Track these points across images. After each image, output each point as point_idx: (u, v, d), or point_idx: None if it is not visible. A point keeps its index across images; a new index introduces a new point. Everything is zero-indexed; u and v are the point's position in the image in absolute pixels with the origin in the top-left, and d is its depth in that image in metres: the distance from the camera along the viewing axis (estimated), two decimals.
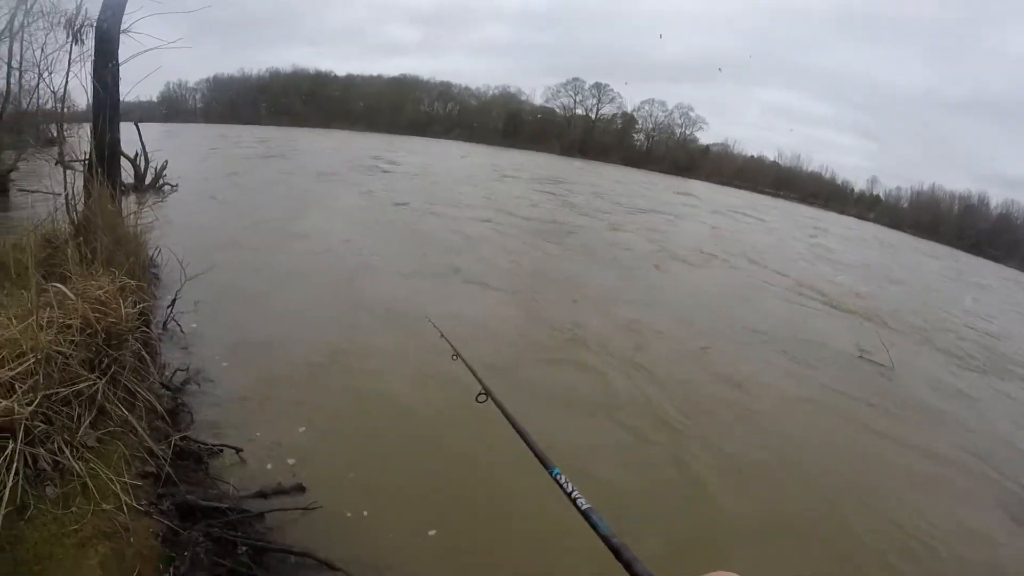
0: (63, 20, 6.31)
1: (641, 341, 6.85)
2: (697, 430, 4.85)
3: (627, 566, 0.63)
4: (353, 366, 5.09)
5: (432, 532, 3.24)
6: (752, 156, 65.89)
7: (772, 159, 65.14)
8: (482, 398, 1.62)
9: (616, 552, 0.66)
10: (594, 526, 0.72)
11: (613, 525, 0.71)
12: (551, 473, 0.87)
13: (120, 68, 5.61)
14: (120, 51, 5.58)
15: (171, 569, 2.51)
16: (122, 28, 5.60)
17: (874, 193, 60.93)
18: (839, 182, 62.93)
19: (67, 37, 5.91)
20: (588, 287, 9.15)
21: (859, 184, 62.42)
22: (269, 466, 3.57)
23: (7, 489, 2.28)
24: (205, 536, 2.76)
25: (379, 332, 5.94)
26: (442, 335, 2.33)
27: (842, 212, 52.50)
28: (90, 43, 5.63)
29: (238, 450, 3.60)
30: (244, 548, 2.79)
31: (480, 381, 1.71)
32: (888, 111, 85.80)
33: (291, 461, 3.64)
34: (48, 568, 2.18)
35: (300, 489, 3.36)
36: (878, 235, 37.26)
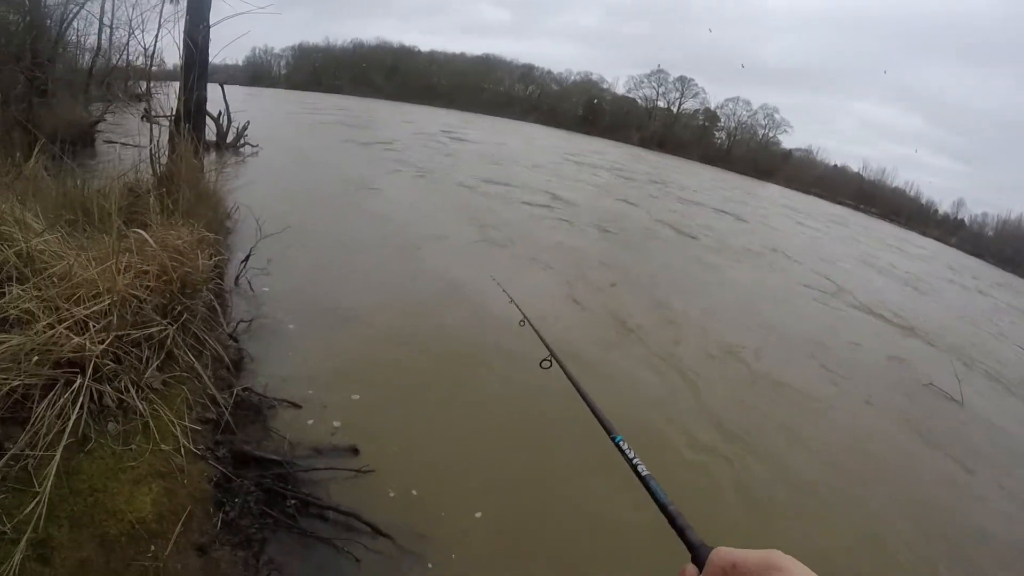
0: None
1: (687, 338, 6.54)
2: (754, 444, 4.56)
3: (681, 533, 0.65)
4: (416, 335, 5.07)
5: (478, 514, 3.15)
6: (835, 165, 63.22)
7: (856, 170, 62.31)
8: (546, 364, 1.58)
9: (672, 519, 0.68)
10: (652, 493, 0.74)
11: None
12: (614, 440, 0.88)
13: (211, 29, 5.77)
14: (211, 13, 5.75)
15: (220, 513, 2.53)
16: None
17: (958, 217, 57.46)
18: (923, 201, 60.01)
19: None
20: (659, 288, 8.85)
21: (944, 206, 59.31)
22: (323, 426, 3.57)
23: (71, 421, 2.36)
24: (256, 486, 2.79)
25: (441, 302, 5.90)
26: (511, 300, 2.29)
27: (923, 233, 49.55)
28: (182, 4, 5.83)
29: (296, 406, 3.64)
30: (293, 501, 2.80)
31: (547, 345, 1.66)
32: (980, 134, 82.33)
33: (339, 424, 3.63)
34: (101, 500, 2.24)
35: (353, 451, 3.37)
36: (960, 262, 34.21)
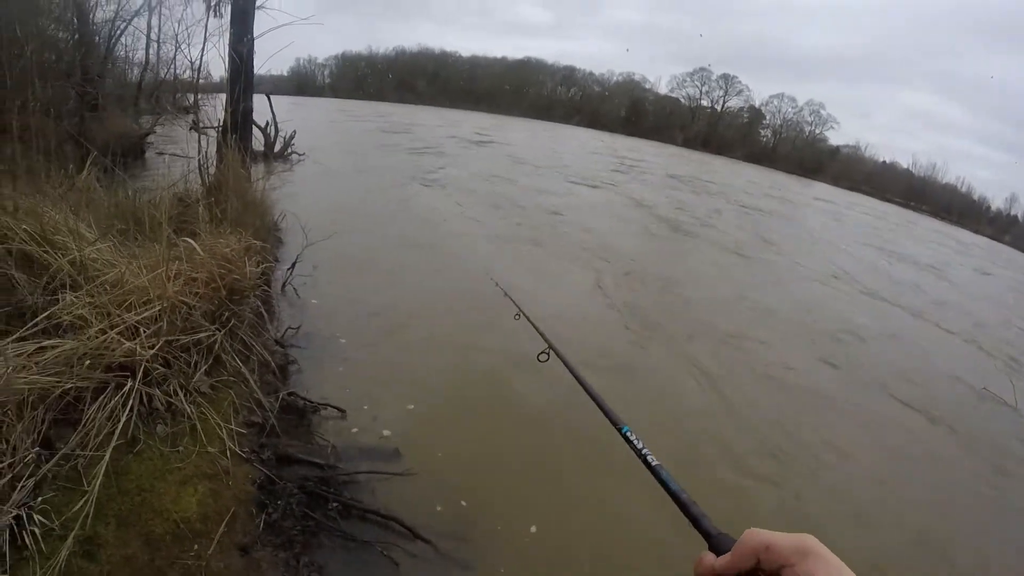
0: None
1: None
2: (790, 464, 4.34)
3: (694, 521, 0.65)
4: (459, 341, 5.04)
5: (533, 528, 3.10)
6: (884, 162, 61.01)
7: (905, 166, 59.98)
8: (544, 357, 1.57)
9: (684, 508, 0.68)
10: (663, 483, 0.73)
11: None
12: (621, 431, 0.86)
13: (255, 42, 5.94)
14: (255, 26, 5.92)
15: (263, 515, 2.55)
16: (257, 4, 5.93)
17: (1011, 213, 54.38)
18: (975, 197, 57.10)
19: (205, 11, 6.37)
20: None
21: (996, 202, 56.18)
22: (367, 432, 3.58)
23: (120, 423, 2.41)
24: (299, 488, 2.80)
25: (479, 310, 5.84)
26: (505, 294, 2.25)
27: (976, 231, 46.78)
28: (227, 17, 6.03)
29: (341, 411, 3.66)
30: (335, 504, 2.80)
31: (544, 337, 1.65)
32: None
33: (387, 432, 3.63)
34: (148, 499, 2.28)
35: (396, 455, 3.36)
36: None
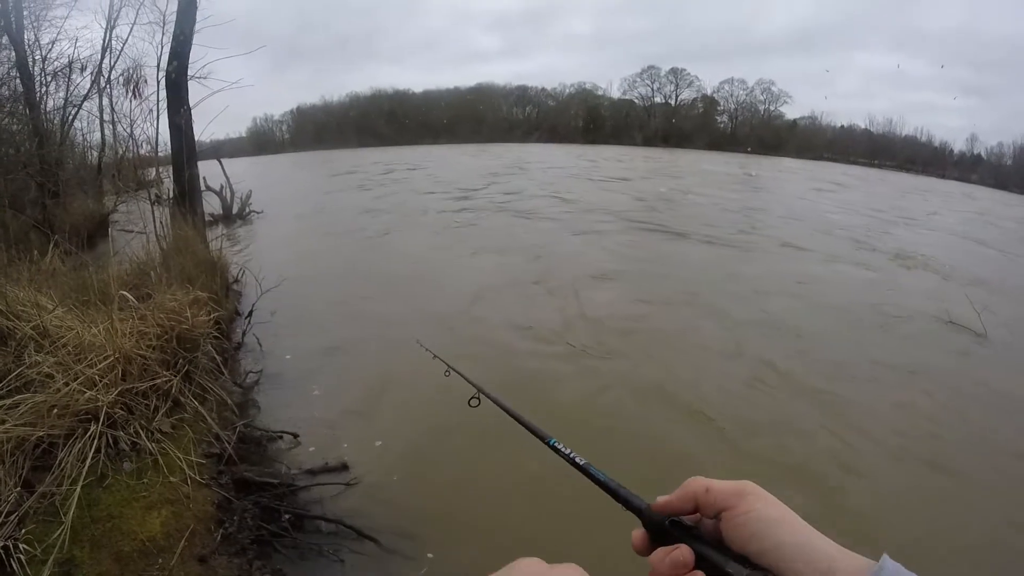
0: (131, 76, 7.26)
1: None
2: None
3: (625, 503, 0.67)
4: (407, 364, 5.29)
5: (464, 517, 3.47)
6: (842, 126, 62.29)
7: (864, 127, 61.21)
8: (475, 402, 1.50)
9: (614, 493, 0.70)
10: (591, 476, 0.76)
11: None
12: (548, 443, 0.92)
13: (192, 112, 6.40)
14: (190, 97, 6.36)
15: (220, 530, 2.92)
16: (194, 75, 6.39)
17: (974, 152, 55.70)
18: (936, 145, 58.09)
19: (126, 93, 6.83)
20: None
21: (958, 145, 57.33)
22: (321, 452, 3.96)
23: (87, 463, 2.80)
24: (254, 504, 3.18)
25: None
26: (435, 356, 2.29)
27: (943, 176, 48.13)
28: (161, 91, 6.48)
29: (295, 435, 4.06)
30: (287, 516, 3.19)
31: (472, 383, 1.55)
32: (993, 63, 76.84)
33: (346, 446, 4.03)
34: (117, 524, 2.65)
35: (344, 467, 3.76)
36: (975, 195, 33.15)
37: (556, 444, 0.88)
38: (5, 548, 2.35)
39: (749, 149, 56.78)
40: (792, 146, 58.00)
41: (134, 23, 9.80)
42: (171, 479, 3.07)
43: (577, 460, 0.80)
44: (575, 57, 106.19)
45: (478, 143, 56.49)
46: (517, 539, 3.30)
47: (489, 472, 3.92)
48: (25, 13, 7.69)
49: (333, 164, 33.36)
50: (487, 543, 3.26)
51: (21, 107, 7.18)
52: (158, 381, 3.57)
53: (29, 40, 7.87)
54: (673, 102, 67.53)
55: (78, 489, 2.66)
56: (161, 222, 5.69)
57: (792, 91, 65.81)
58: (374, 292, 7.89)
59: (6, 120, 6.61)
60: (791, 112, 64.16)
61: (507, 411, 1.19)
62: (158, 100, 6.63)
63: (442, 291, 7.97)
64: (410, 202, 17.19)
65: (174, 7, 6.51)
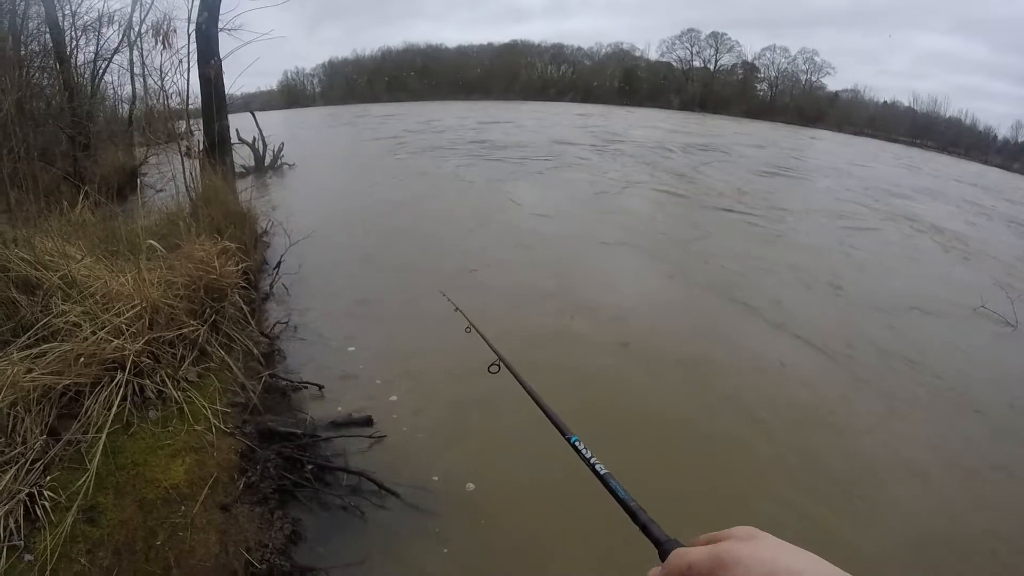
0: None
1: None
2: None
3: (643, 528, 0.64)
4: (435, 322, 5.25)
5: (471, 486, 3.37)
6: (885, 102, 58.70)
7: (907, 105, 57.53)
8: (494, 368, 1.52)
9: (633, 515, 0.67)
10: (612, 491, 0.72)
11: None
12: (569, 440, 0.88)
13: (222, 63, 6.32)
14: (220, 48, 6.28)
15: (243, 478, 2.95)
16: (224, 26, 6.30)
17: (1020, 140, 51.81)
18: (980, 129, 54.28)
19: (155, 44, 6.75)
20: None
21: (1003, 131, 53.32)
22: (346, 405, 3.97)
23: (112, 411, 2.83)
24: (277, 454, 3.19)
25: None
26: (456, 308, 2.19)
27: (985, 162, 44.91)
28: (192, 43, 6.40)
29: (320, 387, 4.06)
30: (309, 466, 3.20)
31: (494, 350, 1.59)
32: None
33: (370, 399, 4.02)
34: (141, 471, 2.68)
35: (368, 422, 3.75)
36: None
37: (577, 444, 0.85)
38: (30, 495, 2.40)
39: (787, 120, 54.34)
40: (833, 119, 55.25)
41: None
42: (196, 427, 3.09)
43: (598, 468, 0.77)
44: (619, 19, 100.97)
45: (511, 100, 55.12)
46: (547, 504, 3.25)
47: (513, 438, 3.77)
48: None
49: (367, 118, 32.96)
50: (510, 506, 3.22)
51: (52, 62, 7.21)
52: (185, 330, 3.59)
53: None
54: (712, 67, 64.51)
55: (103, 437, 2.69)
56: (191, 173, 5.70)
57: (837, 63, 61.96)
58: (404, 245, 7.86)
59: (37, 75, 6.65)
60: (833, 84, 60.93)
61: (527, 390, 1.17)
62: (188, 52, 6.54)
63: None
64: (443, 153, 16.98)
65: None
